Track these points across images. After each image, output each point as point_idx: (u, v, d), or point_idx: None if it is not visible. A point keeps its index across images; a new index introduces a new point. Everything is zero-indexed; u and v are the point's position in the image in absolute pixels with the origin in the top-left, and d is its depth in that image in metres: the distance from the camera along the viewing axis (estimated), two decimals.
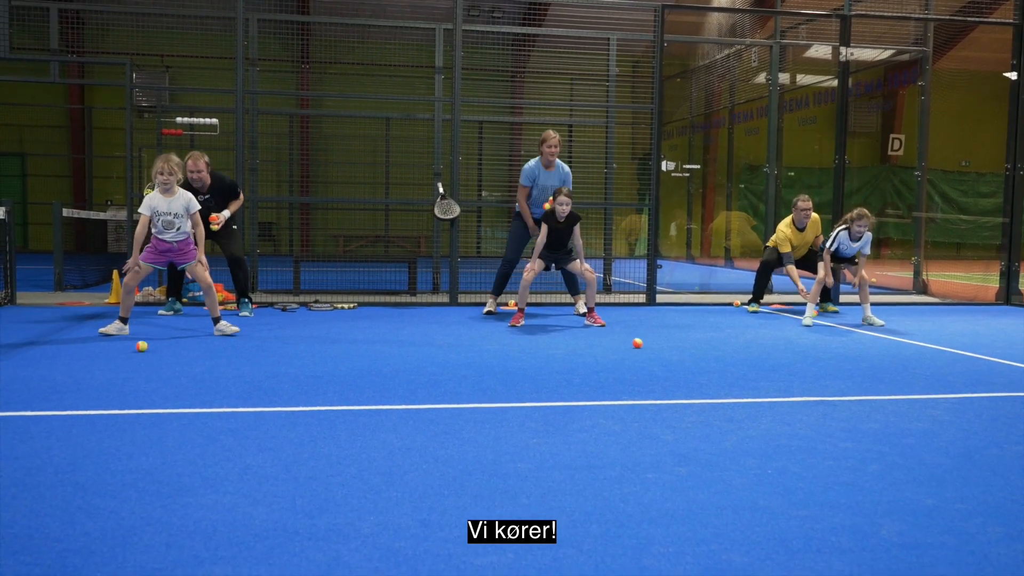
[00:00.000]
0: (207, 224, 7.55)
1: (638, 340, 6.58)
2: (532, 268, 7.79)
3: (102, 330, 6.49)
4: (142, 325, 7.20)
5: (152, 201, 6.60)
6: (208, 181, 7.82)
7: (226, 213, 7.86)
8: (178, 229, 6.65)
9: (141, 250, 6.62)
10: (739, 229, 17.99)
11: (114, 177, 18.34)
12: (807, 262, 9.47)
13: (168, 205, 6.60)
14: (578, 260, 7.91)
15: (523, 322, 7.74)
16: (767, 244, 9.69)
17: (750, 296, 9.60)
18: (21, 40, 9.46)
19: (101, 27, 15.99)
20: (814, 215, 9.35)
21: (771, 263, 9.39)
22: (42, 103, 19.16)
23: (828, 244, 8.44)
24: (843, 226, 8.44)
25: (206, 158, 7.88)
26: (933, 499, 3.06)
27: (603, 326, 7.68)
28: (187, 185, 7.69)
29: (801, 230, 9.22)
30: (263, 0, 16.40)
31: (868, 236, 8.42)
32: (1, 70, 14.23)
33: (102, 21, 16.05)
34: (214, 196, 7.86)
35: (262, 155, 10.68)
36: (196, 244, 6.81)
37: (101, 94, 19.32)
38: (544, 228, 7.80)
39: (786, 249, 9.13)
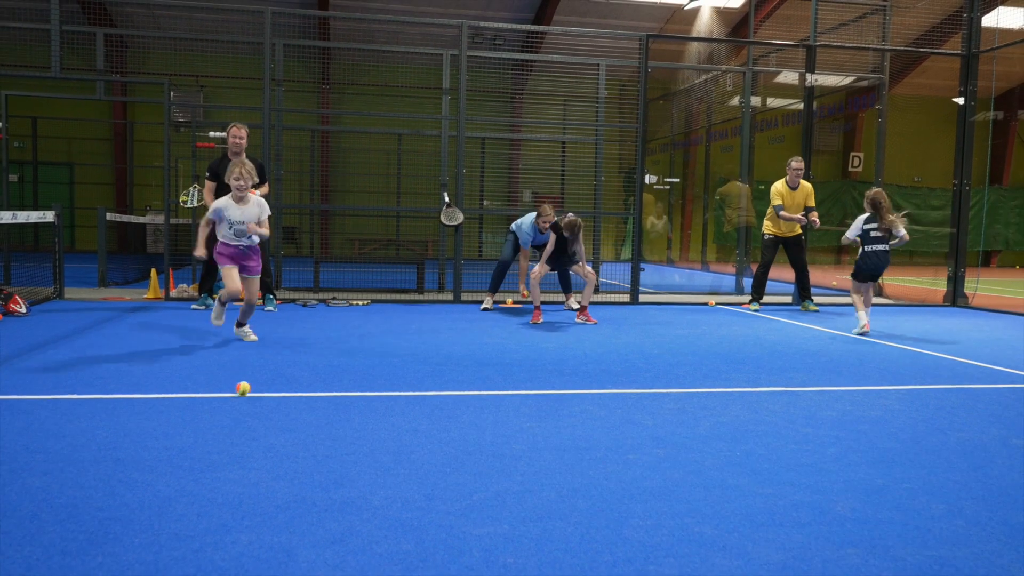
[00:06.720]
0: None
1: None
2: (539, 272, 7.68)
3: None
4: (177, 319, 7.20)
5: (225, 210, 5.79)
6: (244, 152, 7.60)
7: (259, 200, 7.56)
8: (249, 236, 5.88)
9: (209, 252, 6.15)
10: (736, 195, 17.73)
11: (153, 185, 18.28)
12: (791, 252, 9.22)
13: (242, 213, 5.79)
14: (580, 263, 7.85)
15: (542, 319, 7.67)
16: (764, 233, 9.33)
17: (750, 296, 9.49)
18: (70, 61, 9.42)
19: (142, 50, 15.96)
20: (806, 184, 9.13)
21: (769, 262, 9.23)
22: (88, 118, 19.14)
23: None
24: None
25: (248, 128, 7.70)
26: (883, 479, 3.08)
27: (595, 324, 7.64)
28: (223, 157, 7.71)
29: (793, 189, 9.07)
30: (288, 27, 16.35)
31: None
32: (52, 88, 14.23)
33: (143, 45, 16.04)
34: None
35: (286, 166, 10.67)
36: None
37: (142, 110, 19.29)
38: (552, 237, 7.73)
39: (778, 202, 9.03)
